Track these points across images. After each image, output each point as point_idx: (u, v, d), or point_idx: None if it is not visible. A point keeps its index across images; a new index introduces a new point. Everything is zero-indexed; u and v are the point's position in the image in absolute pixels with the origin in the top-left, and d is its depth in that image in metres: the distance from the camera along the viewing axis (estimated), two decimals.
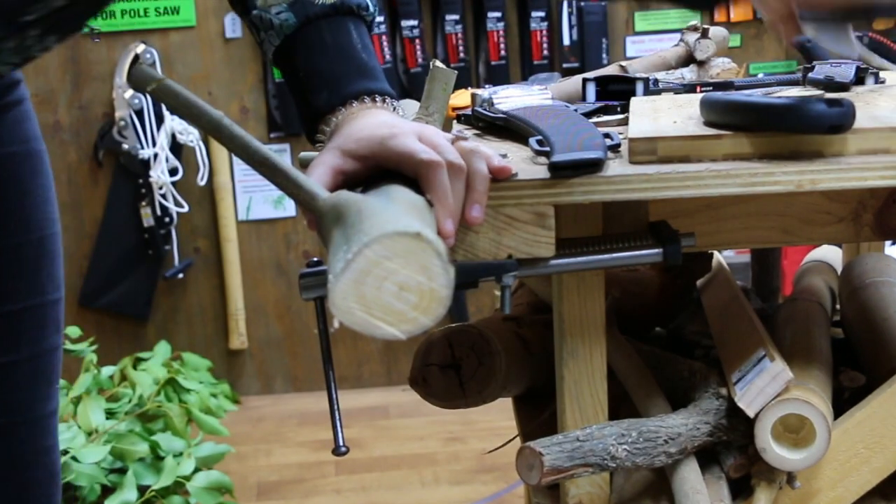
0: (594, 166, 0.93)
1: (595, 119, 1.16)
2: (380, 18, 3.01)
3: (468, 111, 1.22)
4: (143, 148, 3.08)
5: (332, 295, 0.67)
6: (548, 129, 1.00)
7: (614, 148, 0.99)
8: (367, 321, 0.67)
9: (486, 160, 0.91)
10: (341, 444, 0.88)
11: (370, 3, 1.00)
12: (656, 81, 1.28)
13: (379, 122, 0.89)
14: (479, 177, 0.87)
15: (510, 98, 1.15)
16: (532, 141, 0.99)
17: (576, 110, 1.10)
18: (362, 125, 0.90)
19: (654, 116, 1.06)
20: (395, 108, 0.96)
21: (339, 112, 0.93)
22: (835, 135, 0.94)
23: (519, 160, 0.99)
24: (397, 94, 1.01)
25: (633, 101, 1.15)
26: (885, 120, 0.98)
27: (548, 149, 0.95)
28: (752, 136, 0.96)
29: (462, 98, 1.32)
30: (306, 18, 0.96)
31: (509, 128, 1.11)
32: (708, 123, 1.00)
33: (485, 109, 1.16)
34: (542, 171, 0.95)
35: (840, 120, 0.92)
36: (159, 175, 3.07)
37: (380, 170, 0.87)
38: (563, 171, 0.93)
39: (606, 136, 0.99)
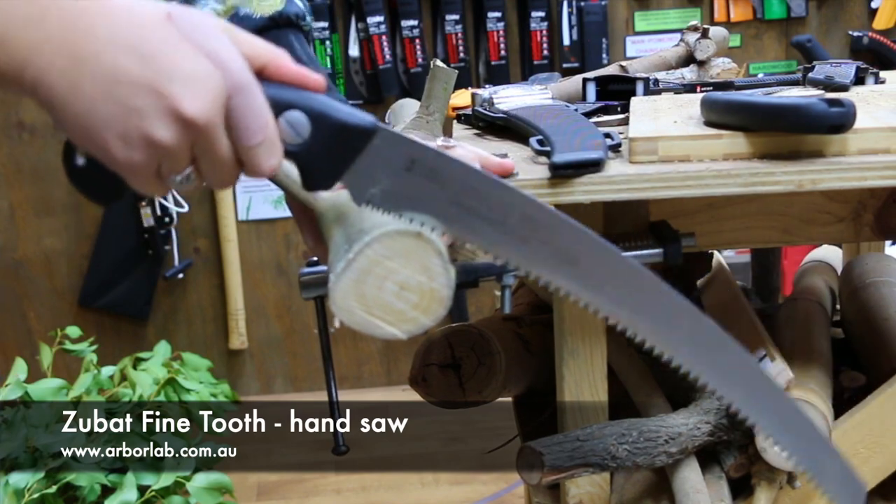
0: (595, 166, 0.93)
1: (595, 119, 1.16)
2: (380, 18, 3.01)
3: (468, 111, 1.22)
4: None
5: (333, 294, 0.67)
6: (548, 128, 1.00)
7: (615, 148, 0.99)
8: (368, 320, 0.67)
9: (483, 162, 0.90)
10: (341, 443, 0.88)
11: (307, 13, 0.97)
12: (656, 81, 1.28)
13: None
14: None
15: (510, 98, 1.15)
16: (533, 141, 0.99)
17: (576, 110, 1.10)
18: None
19: (655, 116, 1.06)
20: None
21: None
22: (835, 135, 0.94)
23: (519, 160, 0.99)
24: (398, 93, 1.00)
25: (634, 101, 1.15)
26: (885, 120, 0.98)
27: (548, 148, 0.95)
28: (752, 135, 0.96)
29: (462, 98, 1.32)
30: None
31: (509, 127, 1.11)
32: (708, 123, 1.00)
33: (485, 109, 1.16)
34: (542, 171, 0.95)
35: (841, 120, 0.92)
36: None
37: None
38: (564, 171, 0.93)
39: (607, 135, 0.99)
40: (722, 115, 0.99)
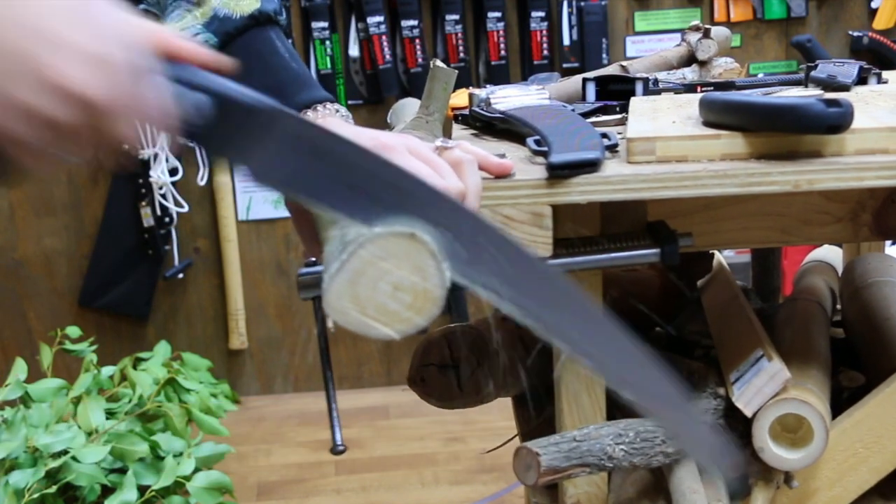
0: (592, 166, 0.93)
1: (594, 119, 1.16)
2: (380, 18, 3.01)
3: (465, 111, 1.22)
4: (142, 148, 3.08)
5: (327, 295, 0.67)
6: (545, 128, 1.00)
7: (612, 148, 0.99)
8: (362, 321, 0.67)
9: (482, 162, 0.89)
10: (339, 442, 0.88)
11: (282, 9, 0.97)
12: (656, 81, 1.28)
13: (355, 132, 0.86)
14: (472, 191, 0.84)
15: (508, 98, 1.15)
16: (530, 141, 0.99)
17: (573, 110, 1.10)
18: None
19: (654, 116, 1.06)
20: (337, 112, 0.93)
21: None
22: (833, 135, 0.94)
23: (516, 160, 0.99)
24: (398, 93, 1.00)
25: (633, 101, 1.15)
26: (883, 120, 0.97)
27: (546, 149, 0.95)
28: (750, 136, 0.96)
29: (462, 98, 1.32)
30: (227, 36, 0.93)
31: (507, 128, 1.11)
32: (707, 123, 1.00)
33: (482, 109, 1.16)
34: (539, 171, 0.95)
35: (838, 120, 0.91)
36: (159, 175, 3.07)
37: None
38: (561, 171, 0.93)
39: (604, 135, 0.99)
40: (720, 116, 0.99)
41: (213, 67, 0.67)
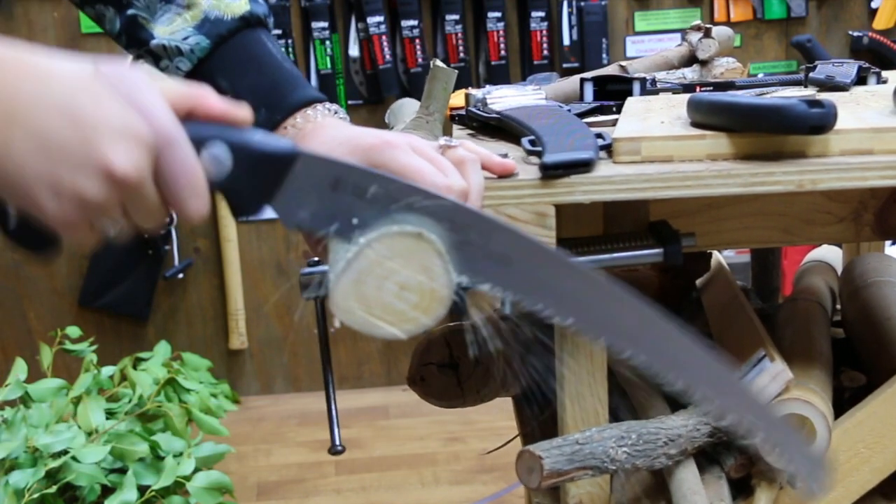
0: (585, 166, 0.93)
1: (590, 119, 1.16)
2: (380, 18, 3.01)
3: (462, 111, 1.22)
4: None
5: (333, 294, 0.67)
6: (540, 128, 1.00)
7: (607, 148, 0.99)
8: (368, 321, 0.67)
9: (485, 161, 0.89)
10: (337, 443, 0.88)
11: (270, 12, 0.98)
12: (654, 81, 1.28)
13: (358, 131, 0.86)
14: (475, 189, 0.84)
15: (504, 98, 1.15)
16: (524, 141, 0.99)
17: (569, 110, 1.10)
18: (333, 135, 0.86)
19: (645, 116, 1.06)
20: (336, 113, 0.93)
21: (288, 125, 0.91)
22: (816, 135, 0.93)
23: (518, 160, 0.99)
24: (398, 93, 0.99)
25: (628, 101, 1.15)
26: (869, 121, 0.97)
27: (540, 149, 0.95)
28: (735, 136, 0.96)
29: (461, 98, 1.32)
30: (220, 38, 0.93)
31: (503, 128, 1.11)
32: (694, 124, 1.00)
33: (478, 109, 1.16)
34: (537, 171, 0.95)
35: (821, 121, 0.91)
36: None
37: None
38: (554, 171, 0.93)
39: (599, 136, 0.99)
40: (706, 116, 0.99)
41: (227, 119, 0.68)
